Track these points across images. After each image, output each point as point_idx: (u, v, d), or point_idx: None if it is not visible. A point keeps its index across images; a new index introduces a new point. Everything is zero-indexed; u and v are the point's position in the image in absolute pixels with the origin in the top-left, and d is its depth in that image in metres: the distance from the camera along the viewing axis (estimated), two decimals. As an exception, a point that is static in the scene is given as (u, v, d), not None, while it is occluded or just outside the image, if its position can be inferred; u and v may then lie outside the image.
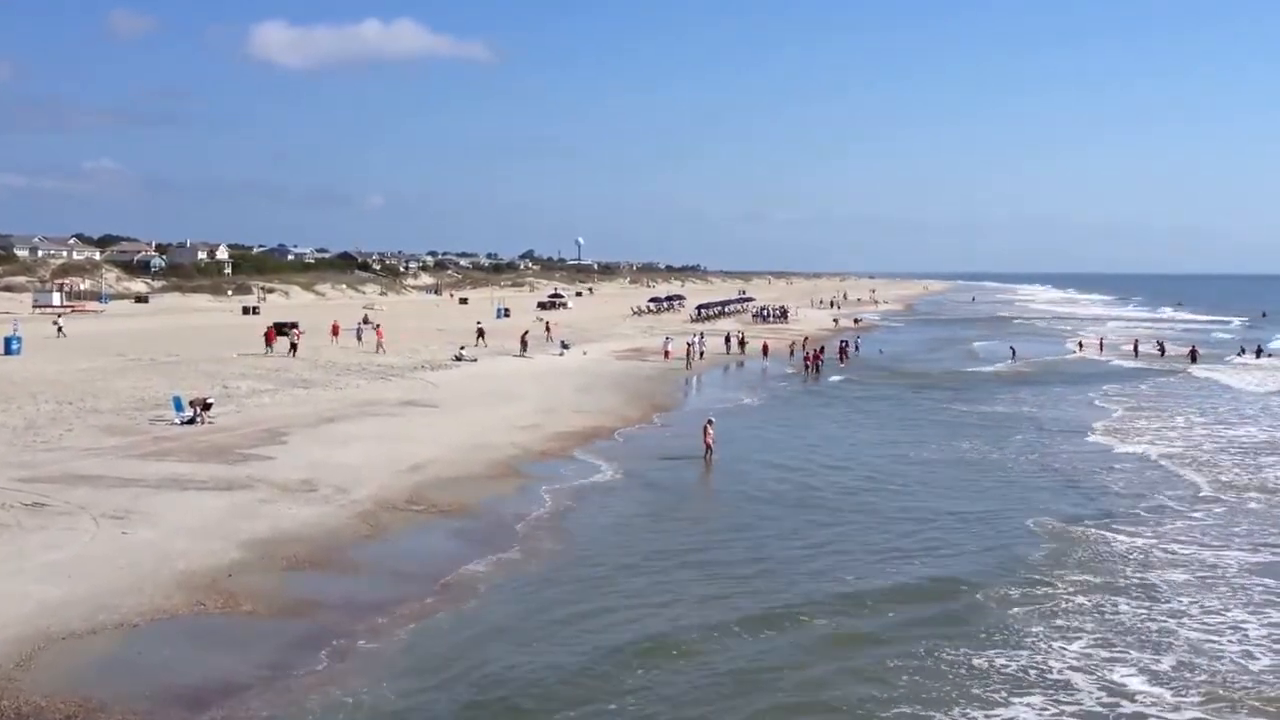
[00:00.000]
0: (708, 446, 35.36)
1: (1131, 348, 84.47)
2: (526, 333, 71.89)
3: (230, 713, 15.41)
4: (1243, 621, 20.04)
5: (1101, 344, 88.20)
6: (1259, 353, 79.56)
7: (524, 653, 17.93)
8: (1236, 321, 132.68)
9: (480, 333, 74.13)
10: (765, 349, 75.40)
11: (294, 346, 61.78)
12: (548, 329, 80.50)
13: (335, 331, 71.06)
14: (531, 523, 26.35)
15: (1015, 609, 20.57)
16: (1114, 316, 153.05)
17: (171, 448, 32.58)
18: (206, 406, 37.71)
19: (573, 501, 28.80)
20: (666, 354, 68.36)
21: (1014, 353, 79.15)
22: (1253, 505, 29.89)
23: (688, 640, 18.61)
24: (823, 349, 70.33)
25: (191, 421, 36.62)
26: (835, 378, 62.89)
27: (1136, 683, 17.09)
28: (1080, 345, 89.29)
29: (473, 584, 21.50)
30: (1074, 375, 66.65)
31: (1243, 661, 18.06)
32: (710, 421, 36.55)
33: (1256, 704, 16.39)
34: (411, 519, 26.23)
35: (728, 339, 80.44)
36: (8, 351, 58.07)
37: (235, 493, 27.03)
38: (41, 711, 15.01)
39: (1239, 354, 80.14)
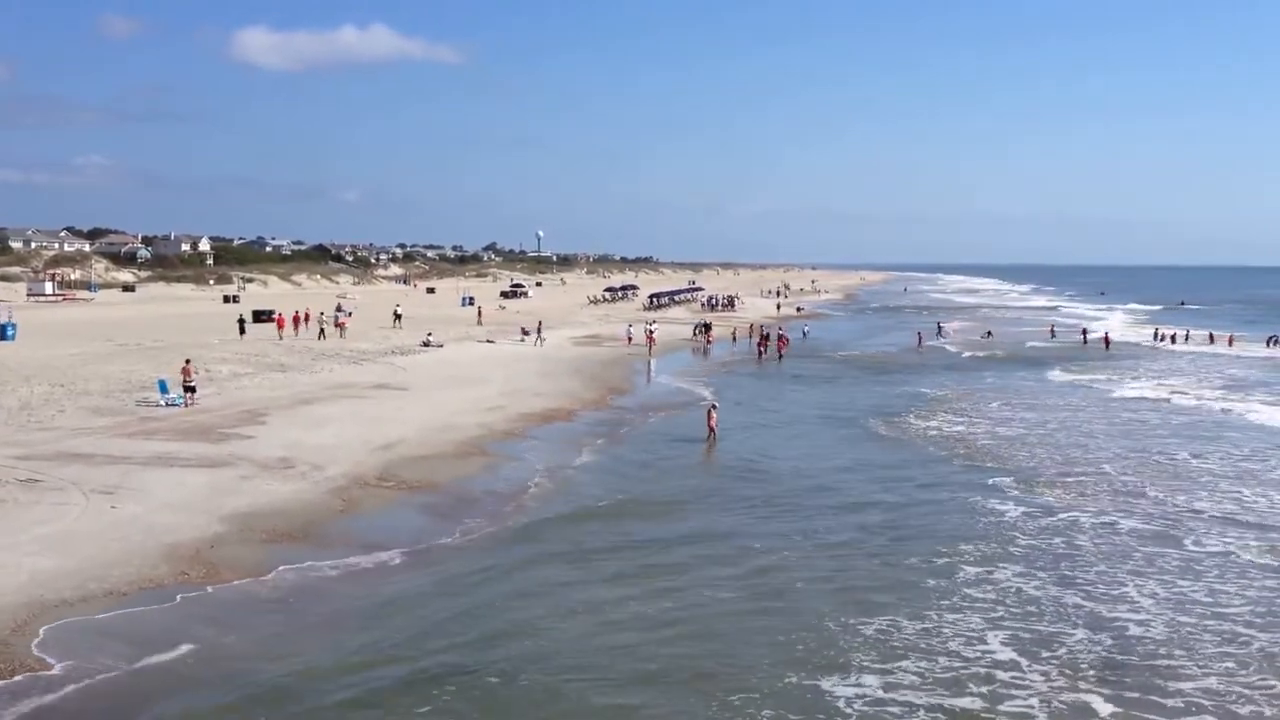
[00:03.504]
0: (710, 430, 35.48)
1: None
2: (540, 323, 71.21)
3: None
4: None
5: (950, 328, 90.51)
6: (1178, 339, 79.76)
7: (475, 618, 18.09)
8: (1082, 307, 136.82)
9: (397, 316, 75.69)
10: (710, 339, 75.43)
11: (322, 331, 64.15)
12: (479, 315, 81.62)
13: (307, 319, 70.42)
14: (493, 498, 26.45)
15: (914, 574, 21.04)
16: (992, 304, 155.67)
17: (157, 427, 32.38)
18: (191, 389, 37.49)
19: (533, 478, 28.87)
20: (629, 339, 68.72)
21: (920, 339, 79.71)
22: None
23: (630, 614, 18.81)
24: (767, 335, 70.73)
25: (176, 403, 36.44)
26: (775, 362, 63.36)
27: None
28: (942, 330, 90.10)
29: (436, 554, 21.66)
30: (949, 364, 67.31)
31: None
32: (714, 407, 36.85)
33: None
34: (383, 495, 26.22)
35: (701, 327, 79.18)
36: (2, 337, 57.45)
37: (218, 470, 26.94)
38: (36, 671, 15.04)
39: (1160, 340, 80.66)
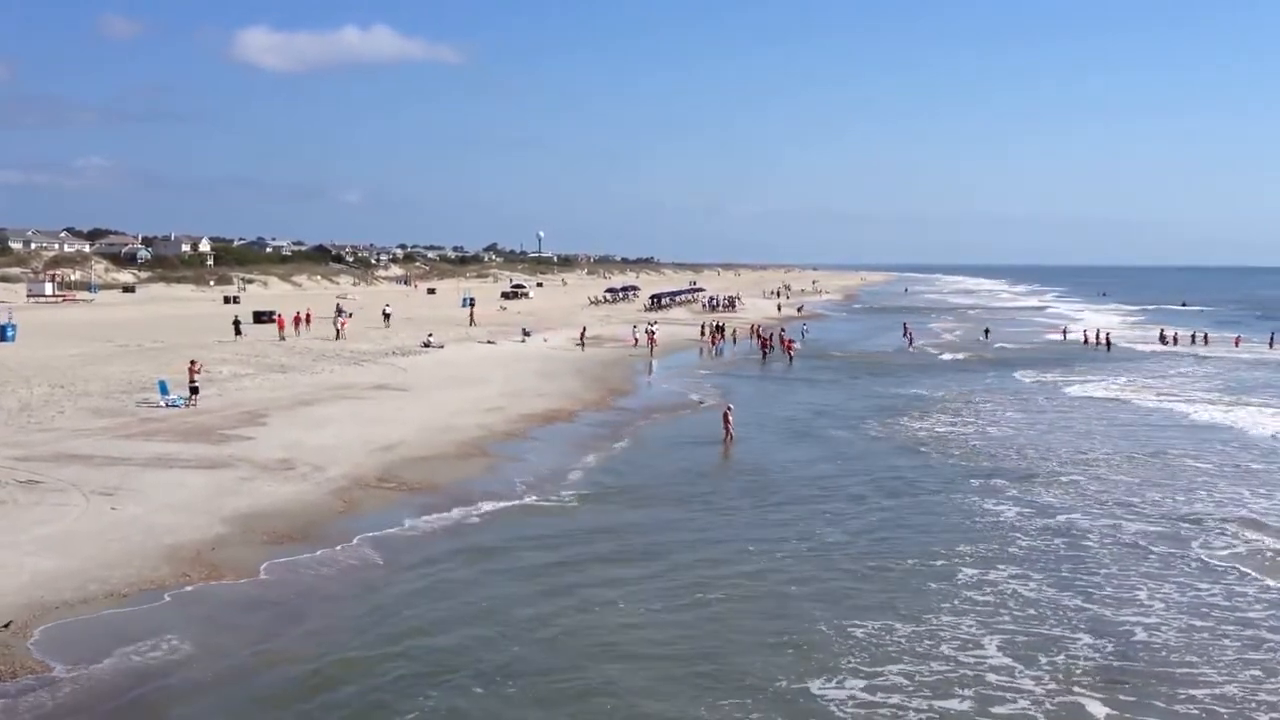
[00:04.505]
0: (727, 431, 35.63)
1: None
2: (585, 329, 71.98)
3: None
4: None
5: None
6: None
7: (464, 619, 18.23)
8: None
9: (386, 316, 76.77)
10: (715, 340, 75.47)
11: (338, 333, 64.69)
12: (471, 316, 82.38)
13: (308, 320, 70.46)
14: (493, 498, 26.45)
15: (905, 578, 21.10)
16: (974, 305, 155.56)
17: (158, 428, 32.42)
18: (195, 389, 37.50)
19: (532, 479, 28.89)
20: (636, 341, 69.04)
21: (912, 340, 79.94)
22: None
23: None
24: (770, 336, 70.93)
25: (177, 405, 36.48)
26: (783, 363, 63.47)
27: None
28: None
29: (434, 555, 21.72)
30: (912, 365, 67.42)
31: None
32: (730, 409, 36.91)
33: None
34: (383, 496, 26.26)
35: (712, 328, 78.79)
36: (2, 338, 57.47)
37: (218, 471, 26.98)
38: (37, 673, 15.10)
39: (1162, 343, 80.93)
